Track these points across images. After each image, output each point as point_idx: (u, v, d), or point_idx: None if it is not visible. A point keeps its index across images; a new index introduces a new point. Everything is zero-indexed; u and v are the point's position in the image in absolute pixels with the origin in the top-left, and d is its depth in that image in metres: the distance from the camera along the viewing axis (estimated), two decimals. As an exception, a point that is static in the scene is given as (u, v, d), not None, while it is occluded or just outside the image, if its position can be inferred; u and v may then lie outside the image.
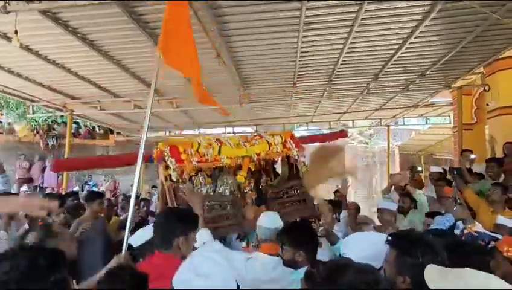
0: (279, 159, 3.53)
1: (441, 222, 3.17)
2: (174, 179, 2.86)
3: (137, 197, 6.34)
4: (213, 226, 2.80)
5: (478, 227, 2.94)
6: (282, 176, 3.56)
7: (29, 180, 11.99)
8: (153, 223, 2.23)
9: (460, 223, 3.17)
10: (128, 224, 2.27)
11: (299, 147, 3.47)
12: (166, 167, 2.91)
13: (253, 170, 3.30)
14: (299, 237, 2.18)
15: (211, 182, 3.20)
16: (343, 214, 4.35)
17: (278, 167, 3.66)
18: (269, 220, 2.62)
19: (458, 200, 3.25)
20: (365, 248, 2.02)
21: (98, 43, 4.57)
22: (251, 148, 3.25)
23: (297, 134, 4.20)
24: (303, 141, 3.72)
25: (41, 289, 1.10)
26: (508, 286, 1.23)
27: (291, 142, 3.46)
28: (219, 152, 3.06)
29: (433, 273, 1.30)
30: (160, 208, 3.13)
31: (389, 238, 1.66)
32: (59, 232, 2.49)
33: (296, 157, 3.42)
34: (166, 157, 2.88)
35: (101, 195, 4.52)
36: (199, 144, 3.02)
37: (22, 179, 12.44)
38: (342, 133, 4.75)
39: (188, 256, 1.43)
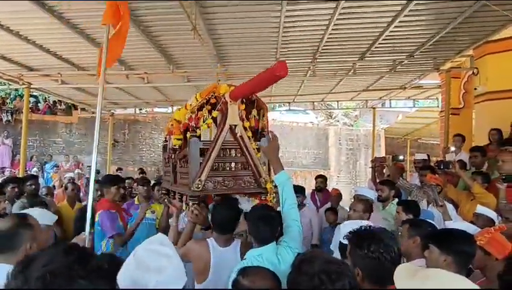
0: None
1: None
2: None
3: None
4: None
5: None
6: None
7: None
8: None
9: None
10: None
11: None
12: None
13: None
14: None
15: None
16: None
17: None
18: None
19: (439, 202, 3.53)
20: None
21: (58, 9, 4.41)
22: (176, 112, 3.13)
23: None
24: (237, 92, 2.60)
25: None
26: (475, 286, 1.29)
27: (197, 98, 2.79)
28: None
29: (401, 273, 1.35)
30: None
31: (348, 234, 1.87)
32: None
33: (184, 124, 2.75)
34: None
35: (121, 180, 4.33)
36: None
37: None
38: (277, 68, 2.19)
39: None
